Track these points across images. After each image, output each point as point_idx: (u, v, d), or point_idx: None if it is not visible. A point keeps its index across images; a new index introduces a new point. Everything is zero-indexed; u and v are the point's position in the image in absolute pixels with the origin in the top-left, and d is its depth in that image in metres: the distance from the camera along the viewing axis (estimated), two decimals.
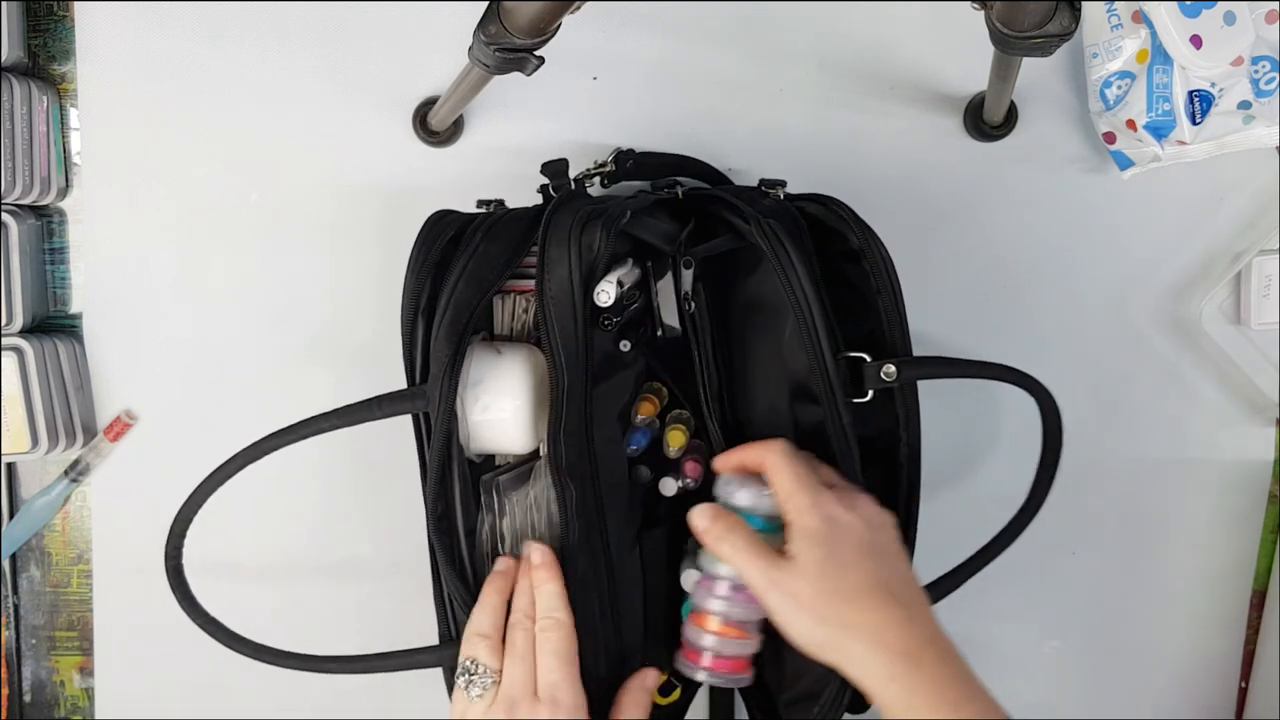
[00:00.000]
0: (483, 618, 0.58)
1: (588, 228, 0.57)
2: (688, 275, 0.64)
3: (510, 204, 0.65)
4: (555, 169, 0.63)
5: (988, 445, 0.77)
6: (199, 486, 0.61)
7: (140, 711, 0.79)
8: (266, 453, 0.60)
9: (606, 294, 0.59)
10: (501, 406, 0.60)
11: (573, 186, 0.62)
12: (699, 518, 0.58)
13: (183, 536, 0.62)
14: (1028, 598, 0.78)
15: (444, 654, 0.61)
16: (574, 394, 0.57)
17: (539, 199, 0.65)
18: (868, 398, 0.59)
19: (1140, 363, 0.77)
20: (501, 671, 0.57)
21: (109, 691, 0.79)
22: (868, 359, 0.59)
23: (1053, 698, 0.80)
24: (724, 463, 0.61)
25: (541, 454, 0.64)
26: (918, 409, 0.62)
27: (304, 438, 0.59)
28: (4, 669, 0.79)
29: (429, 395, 0.57)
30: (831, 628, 0.52)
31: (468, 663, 0.58)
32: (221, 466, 0.61)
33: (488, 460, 0.65)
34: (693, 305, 0.64)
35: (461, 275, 0.58)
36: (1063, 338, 0.76)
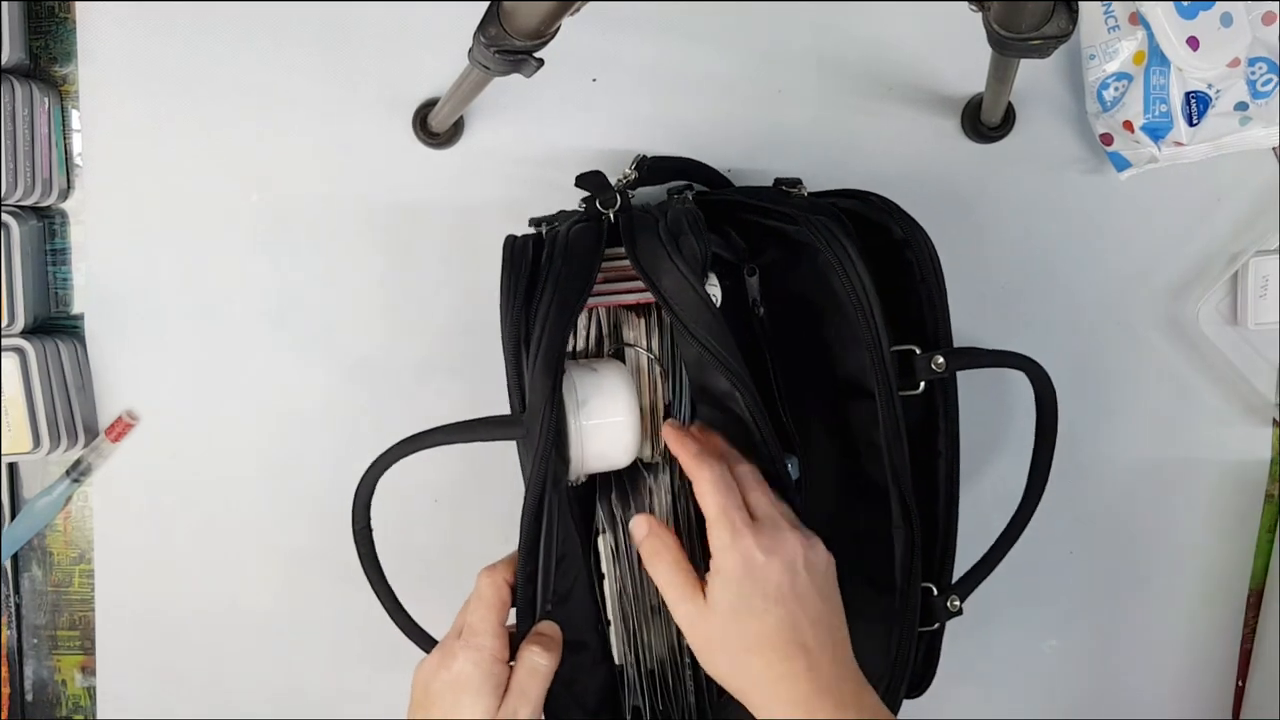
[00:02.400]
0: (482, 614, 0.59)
1: (682, 241, 0.57)
2: (753, 282, 0.65)
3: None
4: (596, 182, 0.63)
5: (993, 443, 0.77)
6: (373, 465, 0.61)
7: (141, 711, 0.79)
8: (386, 469, 0.60)
9: (715, 296, 0.59)
10: (615, 422, 0.61)
11: (619, 200, 0.61)
12: (637, 527, 0.58)
13: (368, 505, 0.62)
14: (1026, 597, 0.78)
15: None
16: (758, 407, 0.57)
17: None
18: (920, 389, 0.59)
19: (1137, 363, 0.77)
20: None
21: (110, 691, 0.79)
22: (918, 351, 0.59)
23: (1050, 696, 0.80)
24: (679, 447, 0.59)
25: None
26: (957, 398, 0.62)
27: (409, 454, 0.59)
28: (6, 668, 0.80)
29: (529, 426, 0.57)
30: (734, 676, 0.54)
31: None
32: (379, 459, 0.61)
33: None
34: (761, 310, 0.65)
35: (552, 303, 0.57)
36: (1060, 338, 0.77)
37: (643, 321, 0.63)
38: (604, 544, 0.63)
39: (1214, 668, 0.80)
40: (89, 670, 0.79)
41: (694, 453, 0.57)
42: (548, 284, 0.57)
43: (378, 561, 0.61)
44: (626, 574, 0.63)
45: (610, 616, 0.64)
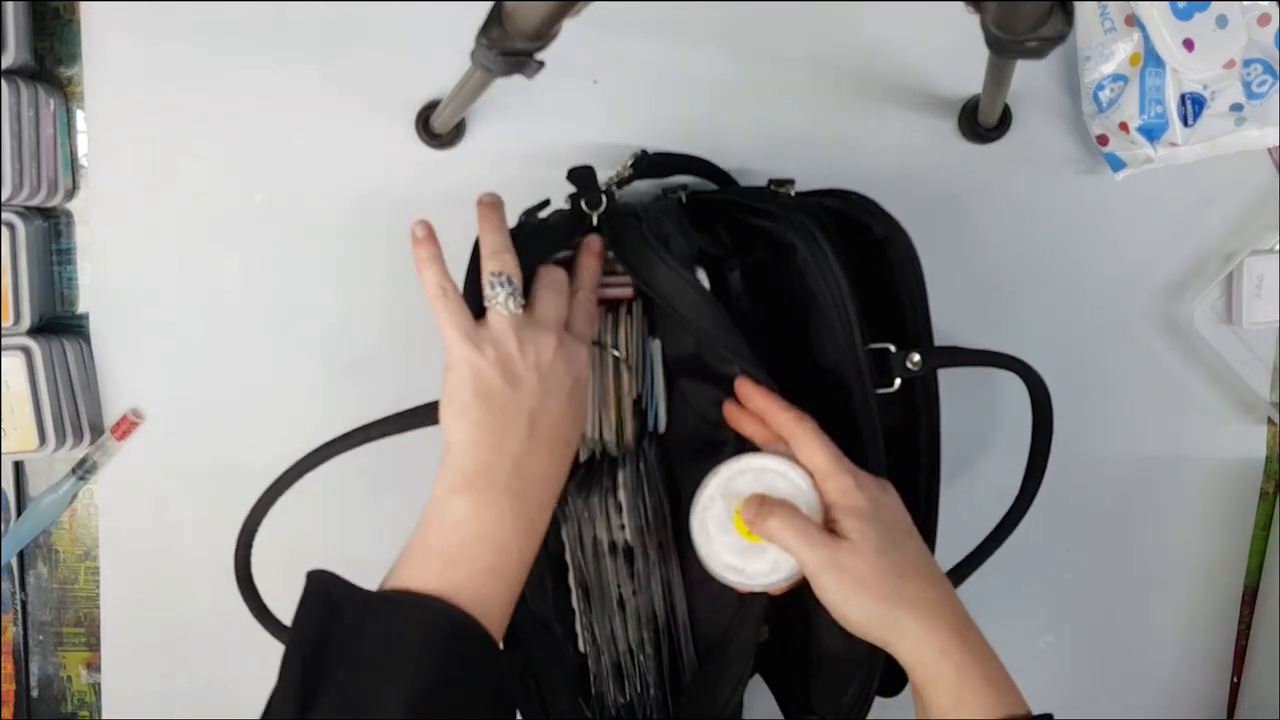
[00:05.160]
0: (498, 238, 0.58)
1: (671, 240, 0.58)
2: (735, 278, 0.65)
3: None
4: (583, 177, 0.63)
5: (986, 440, 0.77)
6: (260, 499, 0.62)
7: (146, 707, 0.79)
8: (323, 461, 0.60)
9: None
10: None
11: (604, 200, 0.62)
12: (752, 512, 0.57)
13: (249, 547, 0.63)
14: (1022, 593, 0.79)
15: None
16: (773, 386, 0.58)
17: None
18: (895, 387, 0.60)
19: (1133, 362, 0.78)
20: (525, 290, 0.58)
21: (115, 687, 0.80)
22: (893, 349, 0.59)
23: (1046, 692, 0.79)
24: (748, 426, 0.59)
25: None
26: (938, 396, 0.63)
27: (359, 444, 0.60)
28: (12, 664, 0.80)
29: None
30: (889, 604, 0.53)
31: (498, 274, 0.57)
32: (280, 477, 0.61)
33: None
34: (746, 304, 0.65)
35: None
36: (1057, 338, 0.77)
37: (610, 316, 0.63)
38: (566, 534, 0.63)
39: (1209, 664, 0.80)
40: (94, 667, 0.80)
41: (790, 408, 0.57)
42: None
43: (265, 608, 0.63)
44: (590, 565, 0.63)
45: (574, 605, 0.64)
